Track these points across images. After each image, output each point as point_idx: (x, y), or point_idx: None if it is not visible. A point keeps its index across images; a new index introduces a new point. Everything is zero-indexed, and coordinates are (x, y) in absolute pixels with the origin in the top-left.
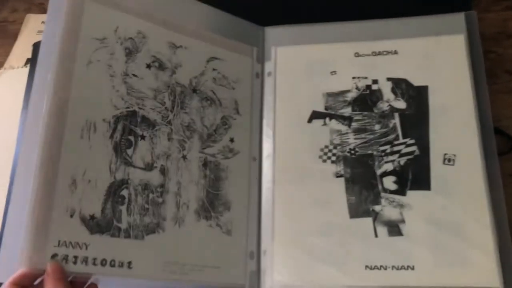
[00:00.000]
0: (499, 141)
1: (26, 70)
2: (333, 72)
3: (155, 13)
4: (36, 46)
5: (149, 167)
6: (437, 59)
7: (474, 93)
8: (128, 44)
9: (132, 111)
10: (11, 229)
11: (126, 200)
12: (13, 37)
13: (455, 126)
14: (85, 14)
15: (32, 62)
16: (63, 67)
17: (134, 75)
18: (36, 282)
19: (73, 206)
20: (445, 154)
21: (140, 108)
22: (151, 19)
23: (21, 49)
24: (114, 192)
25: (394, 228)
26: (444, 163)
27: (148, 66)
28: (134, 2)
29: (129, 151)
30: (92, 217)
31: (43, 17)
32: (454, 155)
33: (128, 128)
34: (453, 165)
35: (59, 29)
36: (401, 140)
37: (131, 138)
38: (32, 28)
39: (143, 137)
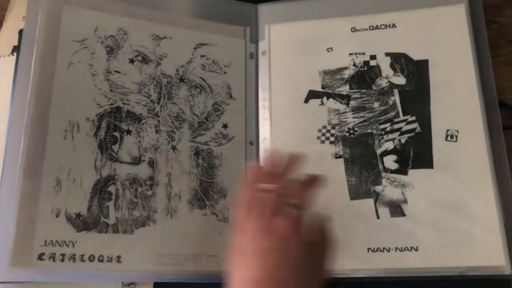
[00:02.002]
0: (504, 115)
1: (13, 58)
2: (329, 49)
3: (138, 8)
4: (22, 33)
5: (136, 161)
6: (437, 31)
7: (476, 65)
8: (109, 42)
9: (116, 107)
10: (1, 229)
11: (113, 196)
12: None
13: (457, 101)
14: (63, 19)
15: (18, 50)
16: (43, 72)
17: (116, 71)
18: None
19: (59, 206)
20: (448, 130)
21: (124, 104)
22: (133, 15)
23: (7, 37)
24: (101, 189)
25: (396, 209)
26: (446, 139)
27: (131, 61)
28: (114, 1)
29: (115, 147)
30: (78, 215)
31: None
32: (457, 131)
33: (113, 124)
34: (456, 141)
35: (37, 34)
36: (402, 117)
37: (116, 134)
38: (17, 14)
39: (129, 132)
